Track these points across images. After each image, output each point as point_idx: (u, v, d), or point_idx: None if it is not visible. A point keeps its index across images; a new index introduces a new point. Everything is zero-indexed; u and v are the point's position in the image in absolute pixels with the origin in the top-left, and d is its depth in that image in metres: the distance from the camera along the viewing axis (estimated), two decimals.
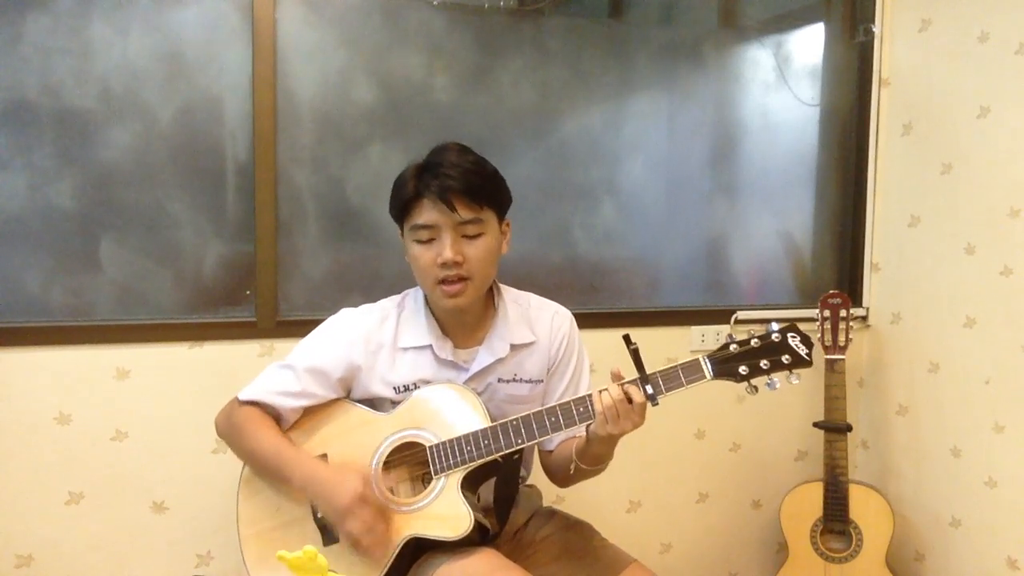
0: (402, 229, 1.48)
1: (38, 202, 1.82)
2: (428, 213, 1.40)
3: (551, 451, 1.56)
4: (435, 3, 2.08)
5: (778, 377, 1.35)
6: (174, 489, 1.92)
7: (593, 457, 1.42)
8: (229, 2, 1.91)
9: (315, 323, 1.55)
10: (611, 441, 1.37)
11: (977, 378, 2.16)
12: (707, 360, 1.35)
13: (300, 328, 1.56)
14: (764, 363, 1.35)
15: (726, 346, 1.37)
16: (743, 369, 1.35)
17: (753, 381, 1.35)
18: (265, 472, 1.45)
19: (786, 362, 1.35)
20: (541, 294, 1.62)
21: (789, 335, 1.36)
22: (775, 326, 1.37)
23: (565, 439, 1.51)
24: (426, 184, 1.39)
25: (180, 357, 1.90)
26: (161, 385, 1.89)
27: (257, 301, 1.97)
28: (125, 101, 1.86)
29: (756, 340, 1.36)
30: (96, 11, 1.83)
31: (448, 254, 1.39)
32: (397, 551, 1.36)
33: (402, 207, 1.44)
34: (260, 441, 1.43)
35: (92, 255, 1.87)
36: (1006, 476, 2.10)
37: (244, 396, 1.48)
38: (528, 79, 2.19)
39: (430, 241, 1.41)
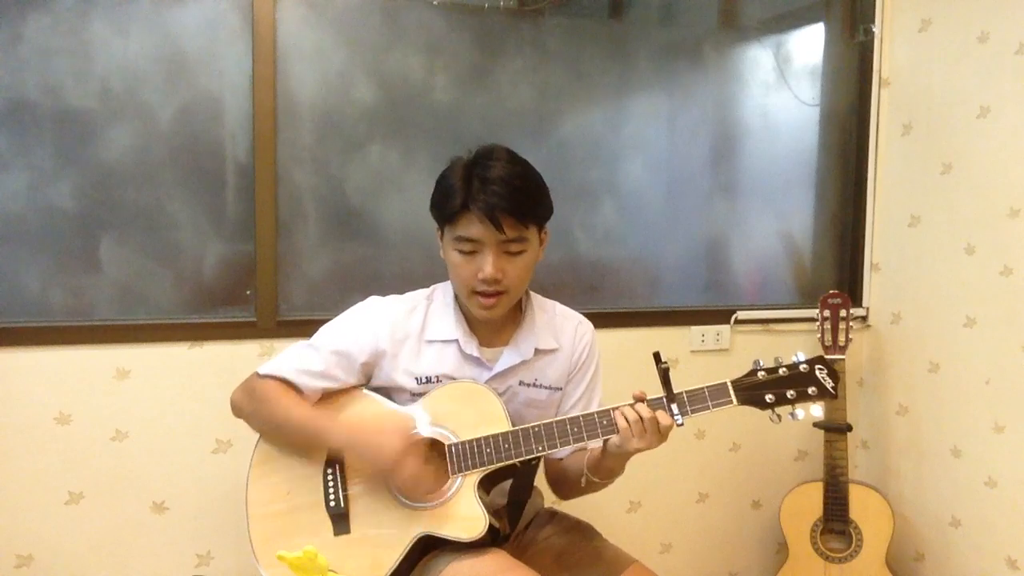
0: (442, 229, 1.47)
1: (38, 202, 1.82)
2: (474, 228, 1.38)
3: (560, 459, 1.56)
4: (435, 3, 2.08)
5: (802, 408, 1.37)
6: (174, 489, 1.91)
7: (607, 471, 1.42)
8: (229, 2, 1.91)
9: (315, 323, 1.54)
10: (626, 456, 1.38)
11: (977, 378, 2.16)
12: (734, 385, 1.36)
13: (300, 328, 1.56)
14: (790, 393, 1.36)
15: (753, 372, 1.38)
16: (769, 397, 1.36)
17: (778, 410, 1.36)
18: (296, 440, 1.44)
19: (812, 394, 1.36)
20: (540, 293, 1.62)
21: (816, 367, 1.37)
22: (802, 356, 1.38)
23: (577, 450, 1.51)
24: (474, 198, 1.36)
25: (180, 357, 1.90)
26: (161, 385, 1.89)
27: (257, 301, 1.97)
28: (125, 101, 1.86)
29: (784, 369, 1.37)
30: (96, 11, 1.83)
31: (489, 271, 1.38)
32: (408, 547, 1.36)
33: (448, 216, 1.42)
34: (292, 409, 1.41)
35: (92, 255, 1.87)
36: (1006, 476, 2.10)
37: (265, 371, 1.46)
38: (528, 79, 2.19)
39: (472, 253, 1.41)
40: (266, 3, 1.91)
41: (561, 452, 1.54)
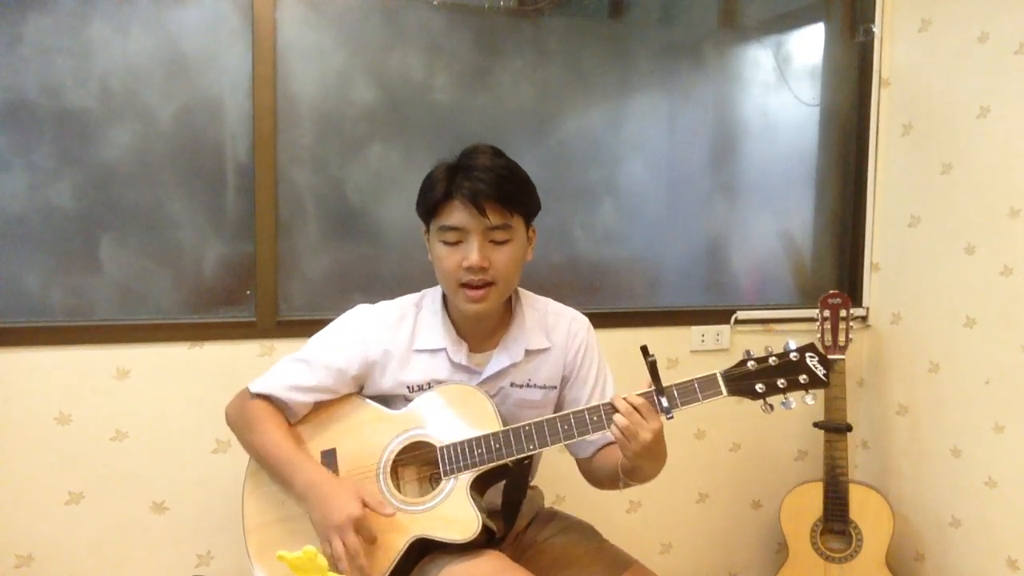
0: (428, 227, 1.46)
1: (38, 202, 1.82)
2: (458, 215, 1.38)
3: (588, 458, 1.54)
4: (435, 3, 2.08)
5: (794, 397, 1.34)
6: (174, 489, 1.92)
7: (637, 473, 1.39)
8: (229, 2, 1.91)
9: (315, 323, 1.55)
10: (647, 455, 1.34)
11: (977, 378, 2.16)
12: (724, 376, 1.34)
13: (300, 328, 1.56)
14: (781, 382, 1.33)
15: (743, 362, 1.35)
16: (760, 387, 1.33)
17: (769, 399, 1.34)
18: (269, 470, 1.44)
19: (803, 382, 1.34)
20: (541, 294, 1.62)
21: (807, 355, 1.34)
22: (793, 344, 1.36)
23: (603, 447, 1.51)
24: (457, 186, 1.37)
25: (180, 357, 1.90)
26: (161, 385, 1.89)
27: (257, 301, 1.97)
28: (125, 101, 1.86)
29: (774, 358, 1.35)
30: (96, 11, 1.83)
31: (475, 258, 1.38)
32: (403, 551, 1.36)
33: (431, 207, 1.41)
34: (268, 440, 1.42)
35: (92, 255, 1.87)
36: (1006, 476, 2.10)
37: (256, 388, 1.47)
38: (528, 79, 2.19)
39: (457, 243, 1.40)
40: (266, 3, 1.91)
41: (583, 451, 1.54)
